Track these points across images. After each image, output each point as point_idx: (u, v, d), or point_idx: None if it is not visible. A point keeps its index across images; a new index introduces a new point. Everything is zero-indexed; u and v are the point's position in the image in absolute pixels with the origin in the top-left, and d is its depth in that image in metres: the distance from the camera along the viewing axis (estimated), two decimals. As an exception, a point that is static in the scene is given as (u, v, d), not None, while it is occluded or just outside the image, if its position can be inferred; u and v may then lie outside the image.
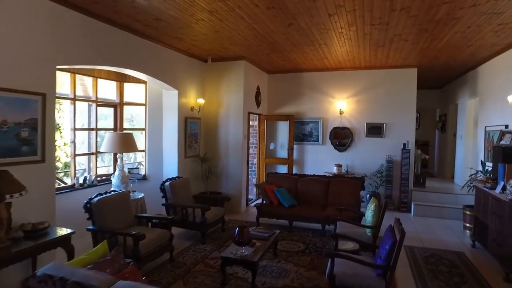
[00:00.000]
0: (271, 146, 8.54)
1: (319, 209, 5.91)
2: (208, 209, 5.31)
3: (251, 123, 8.65)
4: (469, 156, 7.91)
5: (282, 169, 8.40)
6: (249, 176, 8.58)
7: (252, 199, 8.13)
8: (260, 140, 8.47)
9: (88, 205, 4.15)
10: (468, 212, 6.02)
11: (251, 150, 8.72)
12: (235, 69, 7.12)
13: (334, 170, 7.70)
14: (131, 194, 5.33)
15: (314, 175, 6.61)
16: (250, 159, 8.72)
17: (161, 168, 6.62)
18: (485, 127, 6.68)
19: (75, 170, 5.39)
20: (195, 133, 7.07)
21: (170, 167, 6.56)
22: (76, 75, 5.40)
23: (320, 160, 8.24)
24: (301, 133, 8.36)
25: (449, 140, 9.61)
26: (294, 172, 8.23)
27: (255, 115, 8.41)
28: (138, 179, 6.31)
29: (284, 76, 8.50)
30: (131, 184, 5.47)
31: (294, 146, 8.34)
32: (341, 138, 8.10)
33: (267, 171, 8.38)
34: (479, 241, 5.16)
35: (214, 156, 7.33)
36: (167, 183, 5.61)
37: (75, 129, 5.37)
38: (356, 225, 4.57)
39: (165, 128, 6.58)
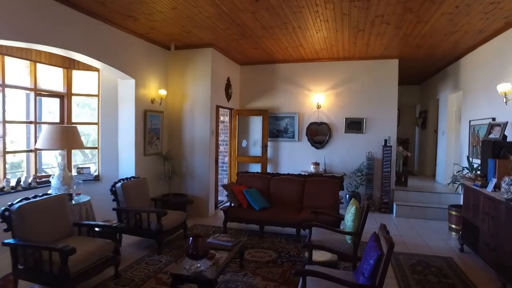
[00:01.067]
0: (244, 144, 7.84)
1: (294, 212, 5.24)
2: (165, 214, 4.55)
3: (221, 118, 7.93)
4: (452, 153, 7.45)
5: (256, 168, 7.71)
6: (220, 176, 7.84)
7: (222, 201, 7.39)
8: (231, 136, 7.75)
9: (6, 212, 3.33)
10: (454, 213, 5.50)
11: (221, 148, 7.99)
12: (201, 57, 6.38)
13: (311, 168, 7.07)
14: (74, 197, 4.52)
15: (288, 174, 5.95)
16: (220, 157, 7.99)
17: (116, 167, 5.80)
18: (470, 121, 6.21)
19: (4, 170, 4.51)
20: (157, 128, 6.28)
21: (127, 166, 5.75)
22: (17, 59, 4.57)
23: (296, 158, 7.59)
24: (276, 129, 7.69)
25: (430, 136, 9.18)
26: (268, 171, 7.55)
27: (226, 110, 7.69)
28: (88, 180, 5.48)
29: (257, 67, 7.82)
30: (75, 186, 4.63)
31: (268, 143, 7.66)
32: (319, 134, 7.49)
33: (239, 171, 7.66)
34: (469, 244, 4.62)
35: (178, 154, 6.56)
36: (119, 184, 4.82)
37: (4, 122, 4.50)
38: (334, 231, 3.91)
39: (121, 122, 5.76)
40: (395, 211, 6.65)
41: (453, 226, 5.51)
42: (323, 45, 6.23)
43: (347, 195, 6.97)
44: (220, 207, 6.99)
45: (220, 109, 7.28)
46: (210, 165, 6.45)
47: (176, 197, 6.27)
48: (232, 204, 5.54)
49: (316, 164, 7.07)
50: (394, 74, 7.03)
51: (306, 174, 6.34)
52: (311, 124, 7.47)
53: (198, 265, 3.26)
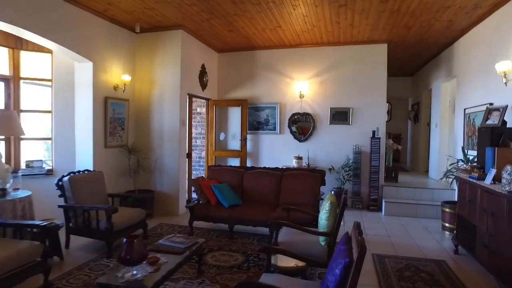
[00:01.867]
0: (221, 137, 7.19)
1: (268, 210, 4.61)
2: (115, 211, 3.90)
3: (198, 109, 7.32)
4: (445, 145, 6.85)
5: (235, 162, 7.08)
6: (196, 172, 7.22)
7: (196, 199, 6.72)
8: (208, 129, 7.11)
9: None
10: (448, 210, 4.89)
11: (198, 141, 7.36)
12: (170, 40, 5.73)
13: (294, 163, 6.44)
14: (11, 192, 3.87)
15: (264, 168, 5.32)
16: (197, 151, 7.37)
17: (73, 160, 5.15)
18: (464, 109, 5.60)
19: None
20: (121, 117, 5.63)
21: (85, 160, 5.09)
22: None
23: (278, 152, 6.96)
24: (256, 120, 7.05)
25: (423, 130, 8.58)
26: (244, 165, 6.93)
27: (203, 100, 7.06)
28: (40, 174, 4.83)
29: (236, 54, 7.18)
30: (12, 180, 3.98)
31: (248, 136, 7.03)
32: (302, 126, 6.86)
33: (210, 164, 7.03)
34: (464, 245, 4.00)
35: (146, 146, 5.91)
36: (66, 177, 4.16)
37: None
38: (305, 231, 3.27)
39: (78, 111, 5.12)
40: (384, 208, 6.02)
41: (447, 224, 4.90)
42: (304, 26, 5.61)
43: (332, 192, 6.35)
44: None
45: (196, 99, 6.67)
46: (181, 158, 5.81)
47: (143, 193, 5.62)
48: (200, 201, 4.90)
49: (299, 158, 6.44)
50: (382, 60, 6.42)
51: (284, 168, 5.71)
52: (294, 115, 6.83)
53: (134, 272, 2.63)
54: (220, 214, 4.62)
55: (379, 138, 6.27)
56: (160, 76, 5.82)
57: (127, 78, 5.51)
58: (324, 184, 4.97)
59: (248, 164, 6.99)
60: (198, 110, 7.29)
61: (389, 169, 6.84)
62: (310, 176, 4.90)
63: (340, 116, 6.62)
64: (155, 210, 5.69)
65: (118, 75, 5.50)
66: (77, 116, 5.11)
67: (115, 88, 5.45)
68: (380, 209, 6.22)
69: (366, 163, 6.40)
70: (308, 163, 6.57)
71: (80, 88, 5.09)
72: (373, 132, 6.29)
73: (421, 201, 6.01)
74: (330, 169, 6.41)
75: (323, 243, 3.15)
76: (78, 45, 4.77)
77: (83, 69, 5.06)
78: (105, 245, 4.05)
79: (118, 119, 5.54)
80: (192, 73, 6.18)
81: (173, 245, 3.24)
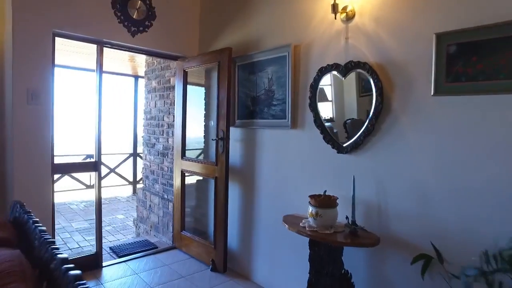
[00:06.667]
0: (212, 126, 3.23)
1: None
2: None
3: (171, 80, 3.73)
4: None
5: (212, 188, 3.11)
6: (164, 208, 3.69)
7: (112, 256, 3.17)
8: (175, 115, 3.37)
9: None
10: None
11: (165, 141, 3.74)
12: None
13: (309, 219, 1.99)
14: None
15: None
16: (167, 158, 3.80)
17: None
18: None
19: None
20: None
21: None
22: None
23: (292, 174, 2.50)
24: (251, 95, 2.80)
25: None
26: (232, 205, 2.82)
27: (171, 65, 3.43)
28: None
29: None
30: None
31: (235, 132, 2.90)
32: (342, 103, 2.21)
33: (183, 187, 3.26)
34: None
35: None
36: None
37: None
38: None
39: None
40: None
41: None
42: None
43: None
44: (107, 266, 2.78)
45: (169, 64, 3.18)
46: (19, 173, 2.40)
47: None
48: None
49: (323, 203, 1.93)
50: None
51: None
52: (325, 70, 2.24)
53: None
54: None
55: None
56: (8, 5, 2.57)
57: None
58: None
59: (233, 195, 2.86)
60: (171, 81, 3.65)
61: None
62: None
63: (473, 59, 1.63)
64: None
65: None
66: None
67: None
68: None
69: None
70: (354, 222, 1.93)
71: None
72: None
73: None
74: (454, 277, 1.60)
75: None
76: None
77: None
78: None
79: None
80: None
81: None
